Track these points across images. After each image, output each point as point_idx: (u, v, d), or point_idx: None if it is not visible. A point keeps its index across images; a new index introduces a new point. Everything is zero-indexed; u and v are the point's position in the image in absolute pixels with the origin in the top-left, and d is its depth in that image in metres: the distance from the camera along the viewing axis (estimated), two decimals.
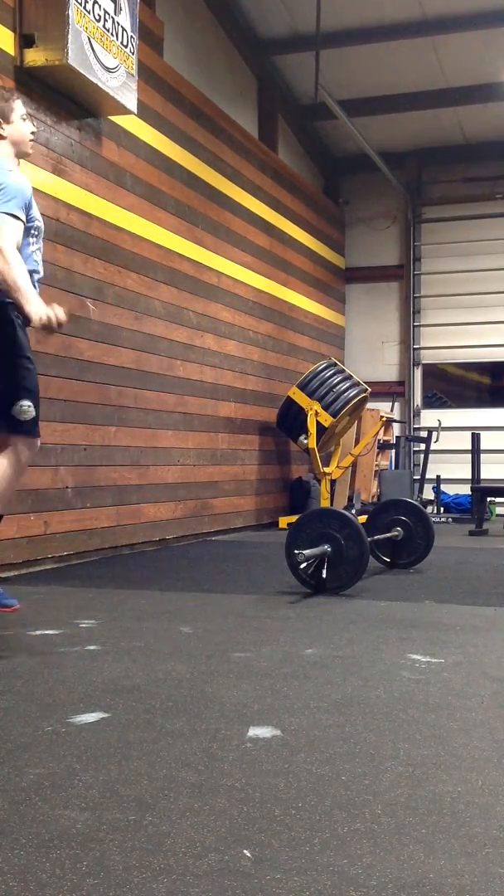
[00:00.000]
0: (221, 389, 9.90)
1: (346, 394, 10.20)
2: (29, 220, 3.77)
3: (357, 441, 11.45)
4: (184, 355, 9.03)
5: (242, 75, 11.41)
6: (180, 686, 3.33)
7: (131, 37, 7.42)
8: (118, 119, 7.73)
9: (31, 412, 3.74)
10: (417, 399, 14.41)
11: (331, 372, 10.46)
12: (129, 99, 7.38)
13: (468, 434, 12.44)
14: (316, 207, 13.20)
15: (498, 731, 2.83)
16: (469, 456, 12.32)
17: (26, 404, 3.72)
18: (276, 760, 2.53)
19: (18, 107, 3.95)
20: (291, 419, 10.48)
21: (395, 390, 14.23)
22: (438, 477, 13.10)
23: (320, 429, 9.82)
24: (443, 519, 12.79)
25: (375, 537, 6.49)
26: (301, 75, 11.66)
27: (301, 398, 10.19)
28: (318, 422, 9.78)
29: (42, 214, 6.33)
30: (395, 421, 13.49)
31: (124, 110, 7.43)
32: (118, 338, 7.83)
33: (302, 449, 9.96)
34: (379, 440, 12.38)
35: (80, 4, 6.65)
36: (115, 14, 7.17)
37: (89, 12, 6.77)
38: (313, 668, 3.64)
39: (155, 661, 3.72)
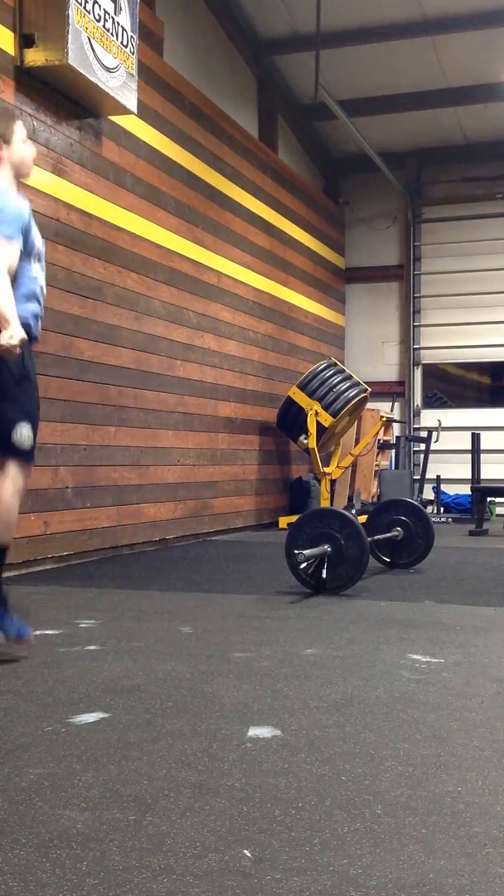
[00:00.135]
0: (221, 389, 9.90)
1: (346, 394, 10.20)
2: (28, 243, 3.74)
3: (357, 441, 11.45)
4: (184, 355, 9.03)
5: (242, 75, 11.41)
6: (180, 686, 3.33)
7: (131, 37, 7.42)
8: (118, 119, 7.73)
9: (31, 438, 3.73)
10: (417, 399, 14.41)
11: (331, 372, 10.46)
12: (129, 99, 7.38)
13: (468, 434, 12.45)
14: (316, 207, 13.20)
15: (498, 731, 2.83)
16: (469, 456, 12.32)
17: (26, 432, 3.71)
18: (276, 760, 2.53)
19: (19, 129, 3.92)
20: (291, 419, 10.48)
21: (395, 390, 14.23)
22: (438, 477, 13.10)
23: (320, 429, 9.82)
24: (443, 519, 12.79)
25: (375, 537, 6.49)
26: (301, 75, 11.66)
27: (301, 398, 10.19)
28: (318, 422, 9.78)
29: (42, 214, 6.33)
30: (395, 421, 13.49)
31: (124, 110, 7.43)
32: (118, 338, 7.83)
33: (302, 449, 9.96)
34: (379, 440, 12.38)
35: (80, 4, 6.65)
36: (115, 14, 7.17)
37: (89, 12, 6.77)
38: (313, 668, 3.64)
39: (155, 661, 3.72)
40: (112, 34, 7.10)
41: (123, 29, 7.29)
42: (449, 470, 13.28)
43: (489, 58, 11.29)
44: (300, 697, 3.19)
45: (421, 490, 12.29)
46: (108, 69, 7.04)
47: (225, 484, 10.04)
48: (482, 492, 11.31)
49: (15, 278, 3.69)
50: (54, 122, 6.97)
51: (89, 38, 6.77)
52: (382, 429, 12.08)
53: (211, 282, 9.65)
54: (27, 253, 3.75)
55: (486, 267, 13.82)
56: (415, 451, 13.93)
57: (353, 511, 9.74)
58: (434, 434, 12.36)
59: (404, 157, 13.98)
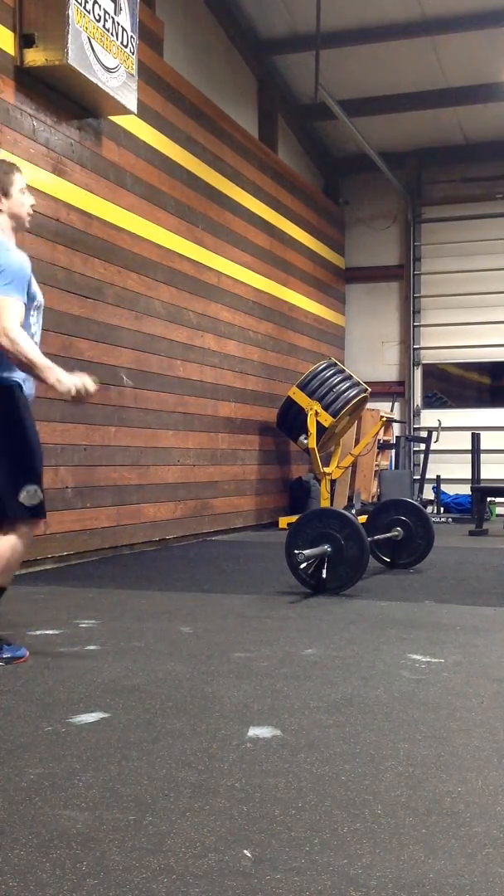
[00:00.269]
0: (221, 389, 9.90)
1: (346, 394, 10.20)
2: (29, 296, 3.74)
3: (357, 441, 11.45)
4: (184, 355, 9.03)
5: (242, 75, 11.41)
6: (180, 686, 3.33)
7: (131, 37, 7.42)
8: (118, 119, 7.73)
9: (39, 496, 3.71)
10: (417, 399, 14.41)
11: (331, 372, 10.46)
12: (129, 99, 7.38)
13: (468, 434, 12.44)
14: (316, 207, 13.20)
15: (498, 731, 2.83)
16: (469, 456, 12.32)
17: (33, 489, 3.69)
18: (276, 760, 2.53)
19: (19, 180, 3.89)
20: (291, 419, 10.48)
21: (395, 390, 14.23)
22: (438, 477, 13.10)
23: (320, 429, 9.82)
24: (443, 519, 12.79)
25: (375, 537, 6.49)
26: (301, 75, 11.66)
27: (301, 398, 10.19)
28: (318, 422, 9.78)
29: (42, 214, 6.32)
30: (395, 421, 13.49)
31: (124, 110, 7.43)
32: (118, 338, 7.83)
33: (302, 449, 9.96)
34: (379, 440, 12.38)
35: (80, 4, 6.65)
36: (115, 14, 7.17)
37: (89, 12, 6.77)
38: (313, 668, 3.64)
39: (155, 661, 3.72)
40: (112, 34, 7.10)
41: (123, 29, 7.29)
42: (449, 470, 13.28)
43: (489, 58, 11.29)
44: (300, 697, 3.19)
45: (421, 490, 12.29)
46: (108, 69, 7.04)
47: (225, 484, 10.04)
48: (482, 492, 11.31)
49: None
50: (54, 122, 6.97)
51: (89, 38, 6.77)
52: (382, 429, 12.08)
53: (211, 282, 9.65)
54: (27, 307, 3.75)
55: (486, 267, 13.82)
56: (415, 451, 13.93)
57: (353, 511, 9.74)
58: (434, 434, 12.36)
59: (404, 157, 13.98)
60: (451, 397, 14.74)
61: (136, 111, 7.53)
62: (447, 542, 9.16)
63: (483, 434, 12.50)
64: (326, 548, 5.38)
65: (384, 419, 10.67)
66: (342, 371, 10.63)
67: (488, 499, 12.04)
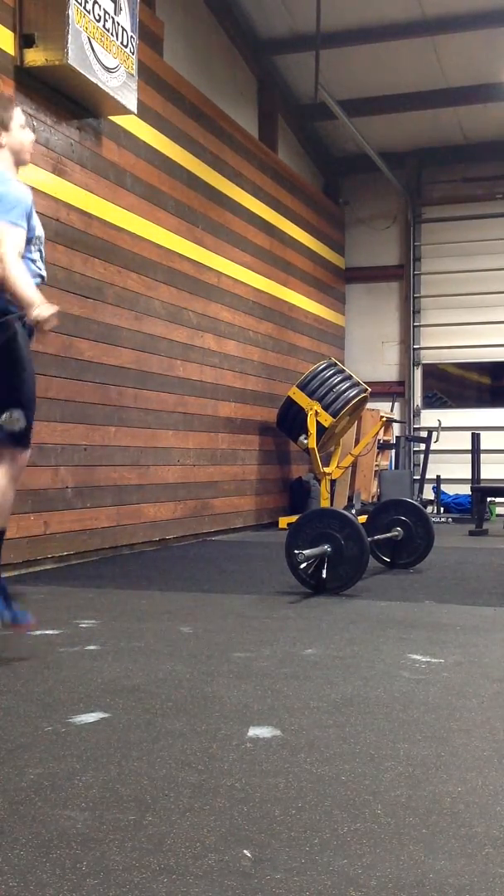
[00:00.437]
0: (221, 389, 9.91)
1: (346, 394, 10.20)
2: (29, 228, 3.75)
3: (357, 441, 11.45)
4: (184, 355, 9.03)
5: (242, 75, 11.41)
6: (180, 686, 3.33)
7: (131, 37, 7.42)
8: (118, 119, 7.73)
9: (21, 422, 3.70)
10: (417, 399, 14.41)
11: (331, 372, 10.46)
12: (129, 99, 7.38)
13: (468, 434, 12.44)
14: (316, 207, 13.20)
15: (498, 731, 2.83)
16: (469, 456, 12.32)
17: (17, 414, 3.69)
18: (276, 760, 2.53)
19: (18, 115, 3.93)
20: (291, 419, 10.48)
21: (395, 390, 14.23)
22: (438, 477, 13.10)
23: (320, 429, 9.82)
24: (443, 519, 12.79)
25: (375, 537, 6.49)
26: (301, 75, 11.66)
27: (301, 398, 10.19)
28: (318, 422, 9.78)
29: (42, 214, 6.33)
30: (395, 421, 13.49)
31: (124, 110, 7.43)
32: (118, 338, 7.83)
33: (302, 449, 9.96)
34: (379, 440, 12.38)
35: (80, 4, 6.65)
36: (115, 14, 7.17)
37: (89, 12, 6.77)
38: (313, 668, 3.64)
39: (155, 661, 3.72)
40: (112, 34, 7.10)
41: (123, 29, 7.29)
42: (449, 470, 13.29)
43: (489, 58, 11.29)
44: (300, 697, 3.19)
45: (421, 490, 12.29)
46: (108, 69, 7.04)
47: (225, 484, 10.04)
48: (482, 492, 11.31)
49: None
50: (54, 122, 6.97)
51: (89, 38, 6.77)
52: (382, 429, 12.08)
53: (211, 282, 9.65)
54: (28, 238, 3.77)
55: (486, 267, 13.82)
56: (415, 451, 13.93)
57: (353, 511, 9.74)
58: (434, 434, 12.36)
59: (404, 157, 13.98)
60: (451, 397, 14.74)
61: (136, 111, 7.53)
62: (447, 542, 9.16)
63: (483, 434, 12.50)
64: (326, 548, 5.38)
65: (384, 419, 10.67)
66: (342, 371, 10.63)
67: (488, 499, 12.05)
